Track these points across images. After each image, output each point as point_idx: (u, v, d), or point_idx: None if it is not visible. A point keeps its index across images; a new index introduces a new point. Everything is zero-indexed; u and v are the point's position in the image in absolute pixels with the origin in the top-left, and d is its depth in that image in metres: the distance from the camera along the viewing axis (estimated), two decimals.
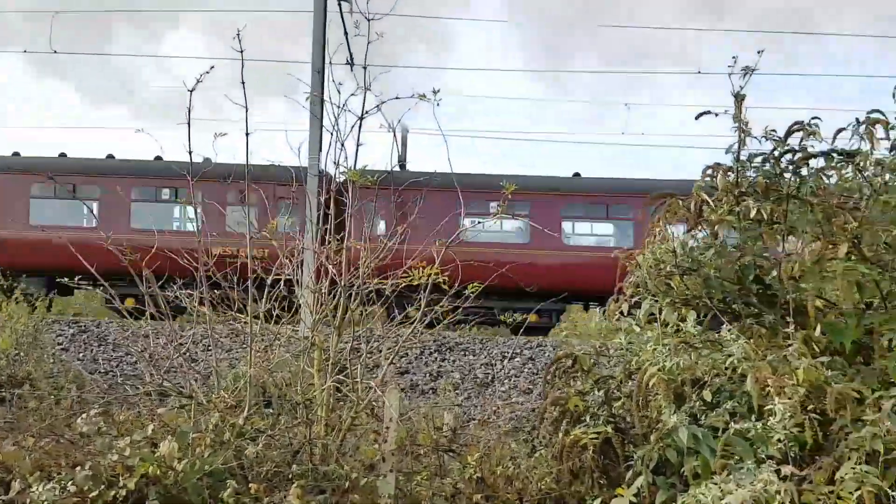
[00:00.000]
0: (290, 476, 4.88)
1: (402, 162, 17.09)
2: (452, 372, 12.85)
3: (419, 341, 6.42)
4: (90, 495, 4.61)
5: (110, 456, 4.69)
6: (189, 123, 5.09)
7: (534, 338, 13.78)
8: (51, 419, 5.85)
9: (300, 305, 6.05)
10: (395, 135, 6.22)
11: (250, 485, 4.66)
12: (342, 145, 5.55)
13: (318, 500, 4.76)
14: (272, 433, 4.96)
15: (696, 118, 4.12)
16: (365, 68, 5.29)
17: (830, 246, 3.84)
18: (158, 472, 4.71)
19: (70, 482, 4.59)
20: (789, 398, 3.77)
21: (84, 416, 5.01)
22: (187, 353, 5.91)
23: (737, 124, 4.05)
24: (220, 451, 4.79)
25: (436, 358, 13.27)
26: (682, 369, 4.11)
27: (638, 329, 4.99)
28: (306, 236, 7.00)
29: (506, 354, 13.24)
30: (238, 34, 4.95)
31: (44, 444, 5.15)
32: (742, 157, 4.13)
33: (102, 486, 4.66)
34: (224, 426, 4.85)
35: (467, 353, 13.34)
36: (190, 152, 5.16)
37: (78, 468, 4.69)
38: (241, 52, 4.87)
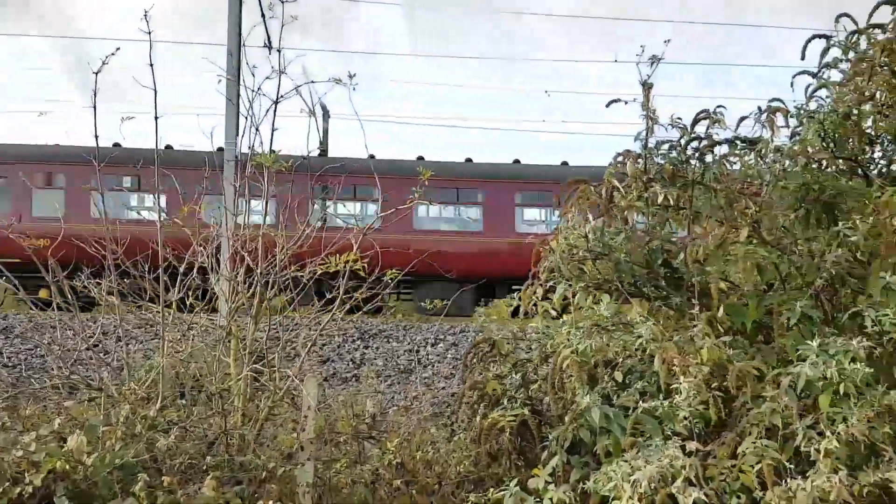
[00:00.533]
0: (204, 468, 4.79)
1: (322, 147, 16.90)
2: (375, 359, 12.82)
3: (339, 329, 6.38)
4: None
5: (15, 452, 4.51)
6: (95, 107, 4.91)
7: (457, 323, 13.88)
8: None
9: (215, 294, 5.92)
10: (316, 119, 6.14)
11: (163, 477, 4.55)
12: (257, 129, 5.44)
13: (235, 491, 4.69)
14: (186, 424, 4.84)
15: (607, 106, 4.22)
16: (279, 51, 5.19)
17: (732, 230, 4.00)
18: (67, 468, 4.55)
19: None
20: (694, 377, 3.91)
21: None
22: (99, 345, 5.71)
23: (645, 112, 4.16)
24: (132, 444, 4.66)
25: (358, 346, 13.22)
26: (595, 351, 4.22)
27: (554, 313, 5.10)
28: (221, 223, 6.85)
29: (429, 340, 13.30)
30: (146, 15, 4.80)
31: None
32: (651, 145, 4.26)
33: (7, 483, 4.47)
34: (135, 418, 4.71)
35: (391, 339, 13.34)
36: (96, 137, 4.98)
37: None
38: (150, 33, 4.71)
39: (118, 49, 4.55)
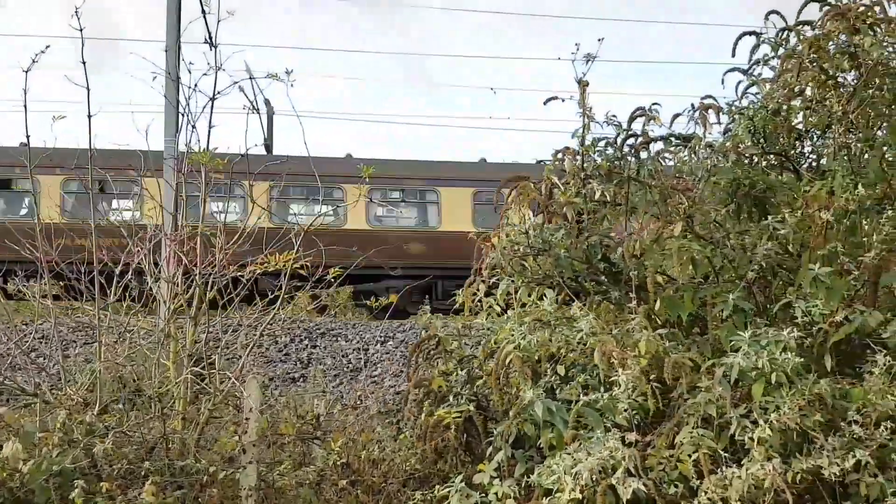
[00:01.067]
0: (144, 473, 4.69)
1: (267, 143, 16.68)
2: (324, 358, 12.73)
3: (286, 329, 6.30)
4: None
5: None
6: (25, 106, 4.77)
7: (407, 321, 13.87)
8: None
9: (152, 295, 5.80)
10: (259, 115, 6.07)
11: (102, 483, 4.44)
12: (194, 127, 5.35)
13: (176, 496, 4.61)
14: (124, 429, 4.74)
15: (545, 103, 4.27)
16: (215, 47, 5.12)
17: (667, 225, 4.08)
18: (3, 475, 4.43)
19: None
20: (632, 369, 3.98)
21: None
22: (35, 350, 5.55)
23: (581, 110, 4.22)
24: (69, 450, 4.54)
25: (307, 345, 13.10)
26: (538, 346, 4.26)
27: (499, 309, 5.13)
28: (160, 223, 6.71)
29: (379, 339, 13.25)
30: (77, 11, 4.68)
31: None
32: (588, 142, 4.32)
33: None
34: (72, 424, 4.59)
35: (339, 338, 13.25)
36: (28, 136, 4.85)
37: None
38: (81, 30, 4.59)
39: (48, 47, 4.42)
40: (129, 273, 5.31)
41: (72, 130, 5.17)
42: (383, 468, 5.20)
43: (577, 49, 4.12)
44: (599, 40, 4.17)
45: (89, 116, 4.78)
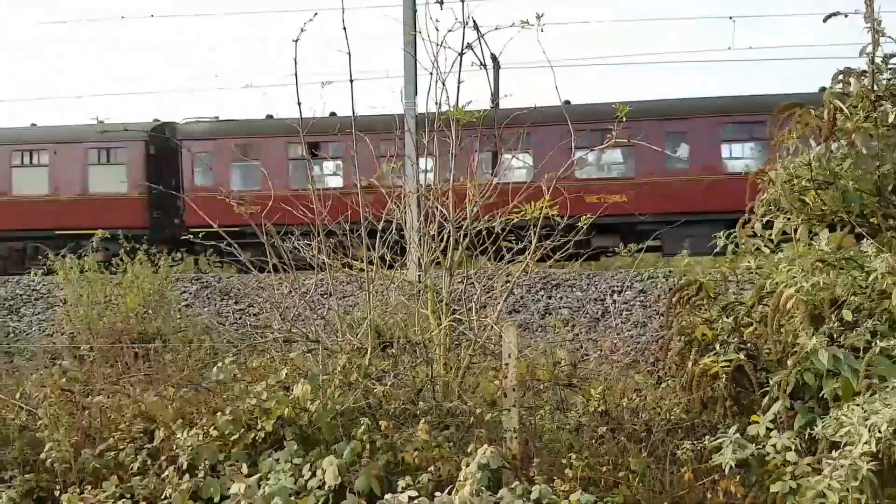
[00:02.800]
0: (415, 413, 4.99)
1: (495, 99, 16.82)
2: (561, 308, 12.77)
3: (528, 278, 6.34)
4: (231, 438, 4.87)
5: (248, 400, 4.93)
6: (297, 75, 5.13)
7: (644, 269, 13.46)
8: (187, 370, 6.17)
9: (409, 249, 6.10)
10: (487, 71, 6.09)
11: (380, 422, 4.79)
12: (443, 84, 5.47)
13: (445, 434, 4.86)
14: (397, 372, 5.06)
15: (825, 20, 3.81)
16: (463, 1, 5.16)
17: None
18: (293, 414, 4.92)
19: (212, 427, 4.86)
20: None
21: (219, 364, 5.26)
22: (310, 301, 6.07)
23: (869, 24, 3.71)
24: (349, 391, 4.95)
25: (542, 296, 13.21)
26: (822, 289, 3.89)
27: (767, 251, 4.76)
28: (409, 180, 7.00)
29: (615, 289, 13.02)
30: None
31: (183, 394, 5.46)
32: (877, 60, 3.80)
33: (242, 430, 4.91)
34: (351, 368, 4.98)
35: (574, 288, 13.20)
36: (299, 103, 5.23)
37: (218, 414, 4.95)
38: None
39: (316, 14, 4.69)
40: (392, 228, 5.60)
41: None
42: (644, 417, 5.10)
43: None
44: None
45: (351, 81, 5.06)
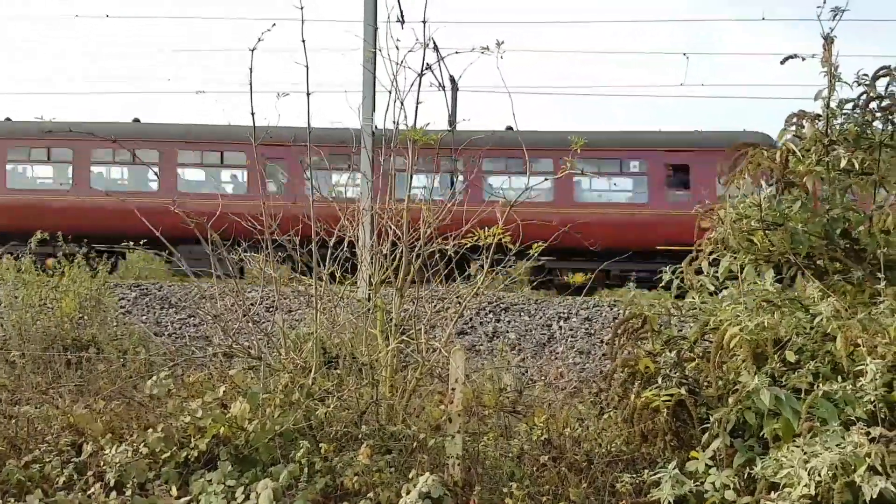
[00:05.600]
0: (358, 436, 4.89)
1: (451, 121, 16.84)
2: (508, 332, 12.78)
3: (479, 301, 6.32)
4: (162, 456, 4.69)
5: (182, 417, 4.75)
6: (251, 85, 5.04)
7: (590, 297, 13.60)
8: (120, 382, 5.95)
9: (360, 267, 6.02)
10: (445, 92, 6.09)
11: (320, 444, 4.67)
12: (402, 103, 5.43)
13: (387, 459, 4.76)
14: (341, 394, 4.95)
15: (783, 62, 3.89)
16: (424, 23, 5.14)
17: None
18: (229, 433, 4.76)
19: (142, 443, 4.67)
20: (882, 357, 3.58)
21: (154, 378, 5.07)
22: (254, 315, 5.93)
23: (826, 68, 3.80)
24: (290, 411, 4.81)
25: (491, 318, 13.21)
26: (765, 329, 3.94)
27: (712, 288, 4.81)
28: (364, 197, 6.94)
29: (562, 315, 13.10)
30: None
31: (114, 407, 5.25)
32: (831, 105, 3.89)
33: (174, 448, 4.73)
34: (294, 387, 4.86)
35: (523, 313, 13.24)
36: (253, 114, 5.14)
37: (150, 430, 4.77)
38: (301, 8, 4.77)
39: (274, 25, 4.63)
40: (343, 245, 5.52)
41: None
42: (586, 447, 5.09)
43: (824, 3, 3.71)
44: None
45: (308, 94, 4.98)
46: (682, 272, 5.00)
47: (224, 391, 4.87)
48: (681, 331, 5.20)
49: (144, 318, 12.19)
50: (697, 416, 4.60)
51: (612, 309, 12.15)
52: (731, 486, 4.07)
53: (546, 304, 13.57)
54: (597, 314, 12.87)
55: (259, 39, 4.70)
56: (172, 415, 4.84)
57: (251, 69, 4.85)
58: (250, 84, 4.91)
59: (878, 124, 4.15)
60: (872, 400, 3.68)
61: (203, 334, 7.28)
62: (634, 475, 4.51)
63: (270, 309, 6.02)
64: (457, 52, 5.41)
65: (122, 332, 9.63)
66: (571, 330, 12.54)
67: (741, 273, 4.14)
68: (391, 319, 5.63)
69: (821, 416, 3.95)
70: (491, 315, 13.28)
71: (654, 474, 4.30)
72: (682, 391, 4.60)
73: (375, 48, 5.67)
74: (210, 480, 4.52)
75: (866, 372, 3.64)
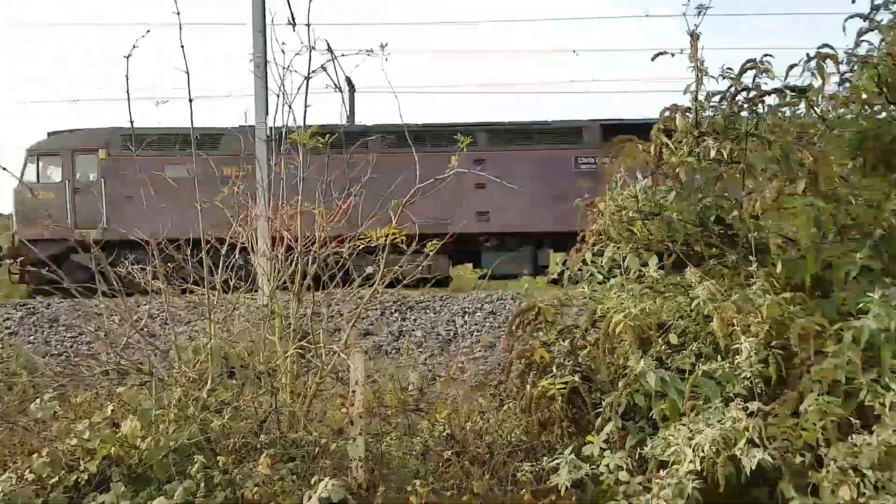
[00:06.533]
0: (258, 446, 4.80)
1: (350, 122, 16.75)
2: (414, 330, 12.83)
3: (380, 302, 6.34)
4: (50, 482, 4.47)
5: (69, 440, 4.55)
6: (129, 93, 4.87)
7: (494, 291, 13.82)
8: (2, 406, 5.64)
9: (256, 274, 5.92)
10: (342, 93, 6.06)
11: (218, 457, 4.57)
12: (290, 107, 5.36)
13: (289, 467, 4.70)
14: (237, 404, 4.85)
15: (653, 59, 4.06)
16: (308, 26, 5.09)
17: (789, 183, 3.85)
18: (121, 452, 4.59)
19: (27, 470, 4.44)
20: (755, 336, 3.80)
21: (38, 400, 4.83)
22: (144, 329, 5.73)
23: (693, 64, 4.00)
24: (185, 426, 4.68)
25: (397, 318, 13.23)
26: (649, 314, 4.11)
27: (601, 277, 4.98)
28: (259, 203, 6.81)
29: (467, 310, 13.25)
30: None
31: None
32: (700, 98, 4.09)
33: (63, 472, 4.52)
34: (187, 401, 4.72)
35: (428, 310, 13.32)
36: (132, 122, 4.96)
37: (35, 455, 4.54)
38: (178, 13, 4.64)
39: (148, 31, 4.48)
40: (236, 252, 5.40)
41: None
42: (488, 439, 5.17)
43: (689, 1, 3.89)
44: None
45: (190, 101, 4.85)
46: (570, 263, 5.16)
47: (113, 410, 4.69)
48: (574, 320, 5.36)
49: (32, 338, 11.59)
50: (592, 401, 4.76)
51: (514, 301, 12.38)
52: (625, 466, 4.21)
53: (451, 300, 13.70)
54: (501, 308, 13.09)
55: (134, 46, 4.54)
56: (58, 438, 4.62)
57: (127, 76, 4.68)
58: (128, 92, 4.73)
59: (746, 114, 4.39)
60: (749, 376, 3.90)
61: (95, 353, 6.97)
62: (534, 464, 4.61)
63: (164, 324, 5.82)
64: (343, 55, 5.39)
65: (7, 355, 9.12)
66: (476, 324, 12.71)
67: (623, 262, 4.30)
68: (289, 325, 5.55)
69: (705, 394, 4.16)
70: (397, 314, 13.30)
71: (553, 461, 4.42)
72: (576, 378, 4.74)
73: (265, 54, 5.58)
74: (103, 503, 4.34)
75: (742, 350, 3.84)
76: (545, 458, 4.55)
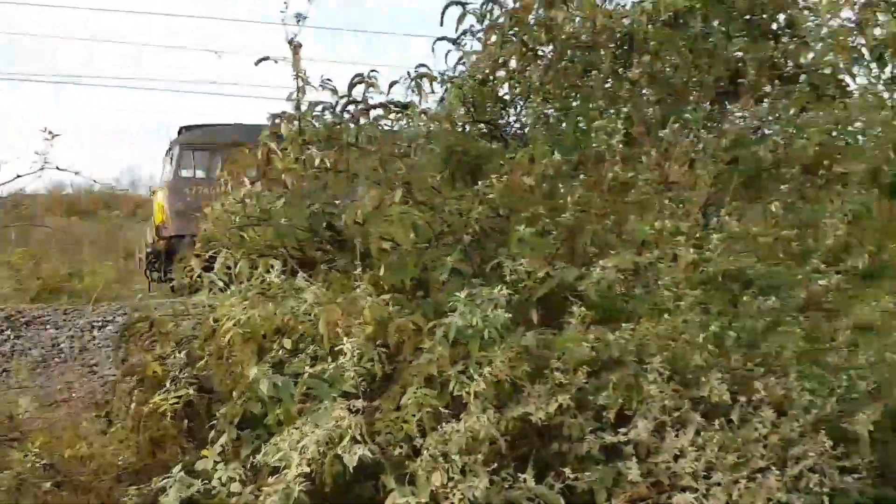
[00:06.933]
0: None
1: None
2: (31, 350, 11.33)
3: None
4: None
5: None
6: None
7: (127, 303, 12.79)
8: None
9: None
10: None
11: None
12: None
13: None
14: None
15: (256, 64, 4.04)
16: None
17: (389, 191, 4.10)
18: None
19: None
20: (357, 337, 3.96)
21: None
22: None
23: (295, 73, 4.06)
24: None
25: (10, 335, 11.60)
26: (263, 320, 4.07)
27: (221, 284, 4.84)
28: None
29: (96, 324, 12.09)
30: None
31: None
32: (305, 107, 4.17)
33: None
34: None
35: (48, 325, 11.88)
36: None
37: None
38: None
39: None
40: None
41: None
42: (93, 465, 4.71)
43: (286, 7, 3.93)
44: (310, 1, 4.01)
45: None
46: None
47: None
48: (194, 330, 5.12)
49: None
50: (210, 414, 4.58)
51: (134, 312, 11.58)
52: (237, 478, 4.11)
53: (77, 315, 12.41)
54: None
55: None
56: None
57: None
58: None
59: (352, 126, 4.58)
60: (353, 376, 4.05)
61: None
62: (141, 487, 4.30)
63: None
64: None
65: None
66: (106, 339, 11.64)
67: (235, 268, 4.22)
68: None
69: (319, 395, 4.23)
70: (9, 331, 11.66)
71: (162, 481, 4.16)
72: (191, 391, 4.53)
73: None
74: None
75: (345, 351, 3.98)
76: (155, 479, 4.27)
